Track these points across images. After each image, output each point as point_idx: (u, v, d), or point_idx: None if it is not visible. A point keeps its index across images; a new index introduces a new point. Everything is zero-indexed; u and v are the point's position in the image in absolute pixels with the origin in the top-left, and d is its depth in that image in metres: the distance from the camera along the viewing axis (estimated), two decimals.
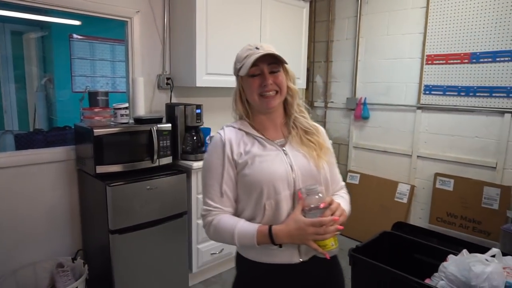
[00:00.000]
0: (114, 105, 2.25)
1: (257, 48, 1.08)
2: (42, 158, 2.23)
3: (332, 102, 3.74)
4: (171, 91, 2.72)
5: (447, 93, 2.88)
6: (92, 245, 2.32)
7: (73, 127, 2.37)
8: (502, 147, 2.65)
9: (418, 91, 3.06)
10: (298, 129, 1.15)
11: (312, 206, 0.99)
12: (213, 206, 1.08)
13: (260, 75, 1.08)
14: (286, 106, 1.18)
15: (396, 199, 3.20)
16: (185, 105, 2.50)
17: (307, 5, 3.33)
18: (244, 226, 1.03)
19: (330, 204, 1.01)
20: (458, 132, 2.87)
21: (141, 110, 2.51)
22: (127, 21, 2.54)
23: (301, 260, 1.08)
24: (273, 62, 1.09)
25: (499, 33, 2.59)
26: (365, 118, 3.43)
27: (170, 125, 2.35)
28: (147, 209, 2.12)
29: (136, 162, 2.19)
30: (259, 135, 1.12)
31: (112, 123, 2.21)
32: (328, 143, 1.21)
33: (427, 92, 3.00)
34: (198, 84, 2.51)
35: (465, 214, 2.79)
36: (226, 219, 1.07)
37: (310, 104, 3.92)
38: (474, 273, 1.58)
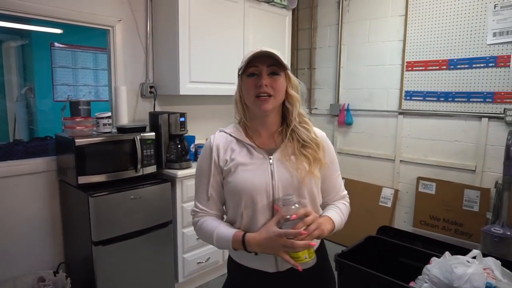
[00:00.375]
0: (96, 114, 2.22)
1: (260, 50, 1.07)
2: (22, 170, 2.18)
3: (316, 108, 3.78)
4: (154, 100, 2.71)
5: (427, 98, 2.95)
6: (75, 258, 2.27)
7: (54, 137, 2.32)
8: (480, 150, 2.72)
9: (399, 97, 3.12)
10: (294, 140, 1.11)
11: (287, 217, 0.97)
12: (200, 208, 1.14)
13: (257, 75, 1.06)
14: (286, 114, 1.14)
15: (380, 204, 3.24)
16: (169, 113, 2.49)
17: (290, 13, 3.38)
18: (222, 231, 1.07)
19: (305, 215, 0.99)
20: (439, 136, 2.94)
21: (124, 119, 2.48)
22: (109, 30, 2.52)
23: (277, 270, 1.08)
24: (273, 64, 1.07)
25: (474, 41, 2.68)
26: (349, 124, 3.48)
27: (154, 133, 2.34)
28: (131, 219, 2.09)
29: (120, 172, 2.16)
30: (248, 142, 1.11)
31: (94, 132, 2.18)
32: (330, 156, 1.17)
33: (408, 98, 3.07)
34: (181, 92, 2.51)
35: (447, 216, 2.85)
36: (209, 221, 1.12)
37: None
38: (456, 275, 1.61)
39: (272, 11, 3.18)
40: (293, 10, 3.47)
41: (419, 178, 3.04)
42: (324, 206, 1.20)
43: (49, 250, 2.33)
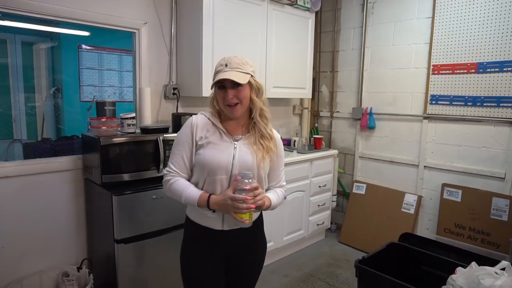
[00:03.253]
0: (121, 114, 2.27)
1: (226, 65, 1.35)
2: (50, 167, 2.25)
3: (338, 112, 3.74)
4: (177, 101, 2.75)
5: (453, 103, 2.87)
6: (98, 254, 2.32)
7: (80, 136, 2.39)
8: (510, 157, 2.62)
9: (424, 101, 3.05)
10: (256, 131, 1.44)
11: (241, 186, 1.28)
12: (173, 169, 1.41)
13: (224, 88, 1.35)
14: (253, 113, 1.43)
15: (403, 210, 3.17)
16: (192, 114, 2.50)
17: (313, 15, 3.36)
18: (191, 190, 1.37)
19: (255, 189, 1.30)
20: (466, 142, 2.85)
21: (148, 120, 2.52)
22: (135, 32, 2.57)
23: (222, 228, 1.40)
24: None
25: (506, 43, 2.59)
26: (371, 128, 3.42)
27: (176, 134, 2.36)
28: (153, 218, 2.12)
29: (142, 172, 2.20)
30: (221, 127, 1.42)
31: (119, 132, 2.22)
32: (280, 150, 1.50)
33: (434, 102, 2.99)
34: (204, 94, 2.53)
35: (474, 225, 2.75)
36: (181, 181, 1.40)
37: (316, 113, 3.92)
38: (483, 286, 1.55)
39: (295, 14, 3.17)
40: (316, 13, 3.45)
41: (444, 185, 2.95)
42: (266, 190, 1.50)
43: (74, 246, 2.39)
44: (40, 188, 2.22)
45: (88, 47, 4.11)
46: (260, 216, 1.52)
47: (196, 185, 1.41)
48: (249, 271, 1.54)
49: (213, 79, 1.38)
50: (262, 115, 1.43)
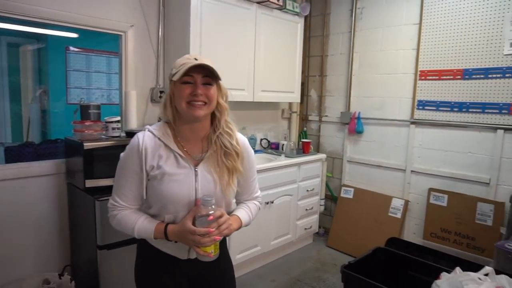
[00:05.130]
0: (105, 118, 2.24)
1: (195, 59, 1.13)
2: (31, 172, 2.20)
3: (326, 116, 3.75)
4: None
5: (440, 108, 2.89)
6: (80, 261, 2.28)
7: (63, 140, 2.35)
8: (495, 163, 2.65)
9: (411, 106, 3.07)
10: (218, 147, 1.21)
11: (203, 214, 1.10)
12: (120, 204, 1.18)
13: (192, 84, 1.13)
14: (214, 121, 1.22)
15: (390, 214, 3.18)
16: None
17: (302, 20, 3.37)
18: (144, 223, 1.16)
19: (220, 217, 1.12)
20: (452, 147, 2.87)
21: (134, 123, 2.49)
22: (121, 35, 2.55)
23: (189, 257, 1.21)
24: (207, 75, 1.14)
25: (491, 50, 2.62)
26: (359, 132, 3.43)
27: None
28: None
29: None
30: (176, 150, 1.17)
31: (103, 136, 2.19)
32: (249, 163, 1.28)
33: (421, 107, 3.01)
34: None
35: (459, 230, 2.77)
36: (129, 215, 1.17)
37: (305, 117, 3.93)
38: None
39: (284, 18, 3.17)
40: (306, 17, 3.46)
41: (431, 190, 2.97)
42: (237, 202, 1.34)
43: (56, 252, 2.34)
44: (21, 193, 2.17)
45: (75, 49, 4.06)
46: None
47: (154, 217, 1.19)
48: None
49: (173, 74, 1.13)
50: (227, 125, 1.22)
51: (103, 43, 4.00)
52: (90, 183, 2.02)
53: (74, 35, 3.62)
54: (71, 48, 4.03)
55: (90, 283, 2.05)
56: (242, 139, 1.28)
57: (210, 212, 1.10)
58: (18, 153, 2.30)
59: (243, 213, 1.28)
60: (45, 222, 2.29)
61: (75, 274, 2.28)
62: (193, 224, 1.11)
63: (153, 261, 1.24)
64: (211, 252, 1.12)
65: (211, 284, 1.29)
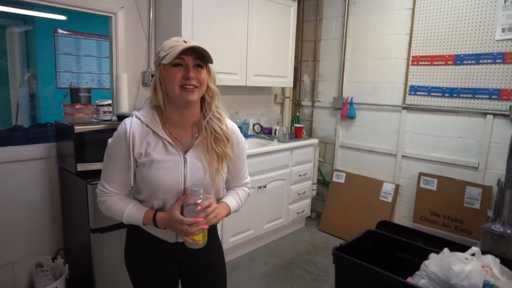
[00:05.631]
0: (96, 101, 2.20)
1: (185, 42, 1.10)
2: (22, 156, 2.18)
3: (319, 101, 3.75)
4: None
5: (431, 94, 2.92)
6: (73, 244, 2.28)
7: (54, 124, 2.32)
8: (484, 148, 2.69)
9: (403, 92, 3.08)
10: (208, 133, 1.19)
11: (190, 203, 1.10)
12: (109, 190, 1.17)
13: (183, 67, 1.10)
14: (204, 105, 1.20)
15: (381, 198, 3.23)
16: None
17: (295, 4, 3.33)
18: (133, 210, 1.16)
19: (208, 207, 1.11)
20: (442, 132, 2.91)
21: (125, 107, 2.47)
22: (111, 17, 2.49)
23: (177, 241, 1.21)
24: (198, 58, 1.12)
25: (482, 36, 2.63)
26: (352, 117, 3.45)
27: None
28: None
29: None
30: (165, 136, 1.15)
31: (94, 120, 2.16)
32: (239, 149, 1.27)
33: (412, 93, 3.03)
34: None
35: (448, 213, 2.83)
36: (118, 201, 1.17)
37: (298, 103, 3.93)
38: (454, 271, 1.60)
39: (277, 2, 3.13)
40: (299, 1, 3.42)
41: (421, 174, 3.02)
42: (227, 189, 1.32)
43: (48, 236, 2.34)
44: (12, 177, 2.15)
45: (64, 32, 3.96)
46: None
47: (143, 202, 1.19)
48: (205, 273, 1.31)
49: (163, 57, 1.09)
50: (216, 110, 1.21)
51: (93, 26, 3.91)
52: (81, 167, 2.01)
53: (62, 17, 3.54)
54: (60, 31, 3.93)
55: (84, 266, 2.06)
56: (231, 124, 1.27)
57: (198, 201, 1.10)
58: (7, 136, 2.26)
59: (232, 200, 1.27)
60: (37, 206, 2.27)
61: (68, 257, 2.29)
62: (181, 212, 1.11)
63: (143, 244, 1.24)
64: (199, 240, 1.13)
65: (201, 267, 1.29)
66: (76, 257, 2.23)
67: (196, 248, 1.15)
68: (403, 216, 3.20)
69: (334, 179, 3.58)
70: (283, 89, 3.82)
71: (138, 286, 1.30)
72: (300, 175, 3.33)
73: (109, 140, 1.18)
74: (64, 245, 2.37)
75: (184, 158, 1.15)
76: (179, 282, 1.34)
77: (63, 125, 2.12)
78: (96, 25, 3.81)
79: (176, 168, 1.14)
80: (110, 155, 1.16)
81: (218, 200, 1.26)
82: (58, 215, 2.37)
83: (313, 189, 3.59)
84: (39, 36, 3.84)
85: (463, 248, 1.88)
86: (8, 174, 2.13)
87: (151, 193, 1.15)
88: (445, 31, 2.80)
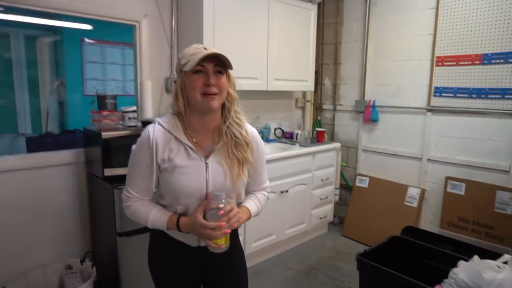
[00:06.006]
0: (122, 108, 2.27)
1: (205, 49, 1.12)
2: (52, 161, 2.26)
3: (341, 104, 3.71)
4: None
5: (458, 95, 2.83)
6: (101, 247, 2.34)
7: (82, 130, 2.40)
8: None
9: (428, 93, 3.01)
10: (228, 138, 1.21)
11: (213, 207, 1.12)
12: (133, 195, 1.20)
13: (203, 74, 1.13)
14: (223, 111, 1.22)
15: (406, 203, 3.15)
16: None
17: (315, 7, 3.32)
18: (157, 215, 1.18)
19: (230, 211, 1.13)
20: (470, 135, 2.82)
21: (149, 113, 2.52)
22: (135, 25, 2.56)
23: (199, 245, 1.23)
24: (218, 65, 1.14)
25: (511, 34, 2.54)
26: (374, 120, 3.39)
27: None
28: None
29: None
30: (187, 142, 1.17)
31: (120, 126, 2.23)
32: (258, 154, 1.28)
33: (438, 94, 2.95)
34: None
35: (477, 219, 2.73)
36: (143, 206, 1.20)
37: (319, 106, 3.90)
38: (485, 280, 1.54)
39: (297, 5, 3.13)
40: (319, 4, 3.41)
41: (448, 178, 2.93)
42: (246, 193, 1.32)
43: (77, 239, 2.42)
44: (43, 182, 2.24)
45: (90, 41, 4.10)
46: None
47: (166, 207, 1.21)
48: (228, 278, 1.33)
49: (184, 64, 1.12)
50: (236, 116, 1.22)
51: (117, 34, 4.04)
52: (108, 172, 2.06)
53: (88, 26, 3.66)
54: (86, 40, 4.07)
55: (111, 268, 2.11)
56: (251, 129, 1.28)
57: (221, 206, 1.12)
58: (39, 143, 2.36)
59: (252, 204, 1.29)
60: (66, 210, 2.35)
61: (96, 260, 2.35)
62: (204, 217, 1.13)
63: (166, 248, 1.27)
64: (222, 244, 1.14)
65: (223, 272, 1.31)
66: (103, 260, 2.29)
67: (219, 252, 1.16)
68: (429, 222, 3.11)
69: (357, 184, 3.52)
70: (304, 93, 3.80)
71: None
72: (322, 179, 3.30)
73: (133, 146, 1.21)
74: (92, 248, 2.43)
75: (206, 163, 1.17)
76: (201, 286, 1.35)
77: (91, 131, 2.19)
78: (120, 33, 3.92)
79: (198, 173, 1.16)
80: (134, 161, 1.19)
81: (239, 204, 1.27)
82: (86, 219, 2.44)
83: (335, 194, 3.55)
84: (67, 46, 3.99)
85: (494, 256, 1.81)
86: (39, 178, 2.22)
87: (174, 198, 1.17)
88: (471, 30, 2.72)
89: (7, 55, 3.68)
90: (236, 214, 1.15)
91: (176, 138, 1.17)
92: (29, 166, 2.18)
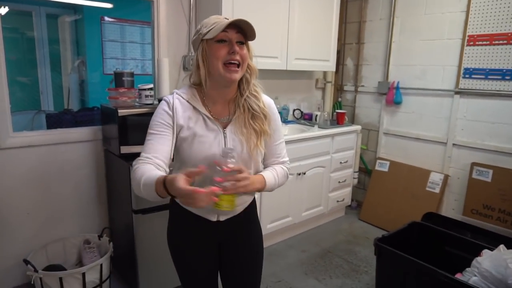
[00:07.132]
0: (139, 85, 2.25)
1: (226, 19, 1.08)
2: (71, 138, 2.28)
3: (362, 86, 3.59)
4: None
5: (489, 77, 2.67)
6: (117, 224, 2.38)
7: (99, 108, 2.40)
8: None
9: (457, 75, 2.85)
10: (245, 110, 1.18)
11: (221, 163, 1.01)
12: (144, 156, 1.08)
13: (226, 42, 1.09)
14: (242, 83, 1.19)
15: (427, 189, 3.05)
16: None
17: None
18: (151, 174, 1.00)
19: (239, 172, 1.04)
20: (500, 119, 2.67)
21: (166, 91, 2.49)
22: (153, 1, 2.51)
23: (218, 219, 1.21)
24: (240, 32, 1.10)
25: None
26: (398, 103, 3.26)
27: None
28: None
29: None
30: (205, 112, 1.15)
31: (137, 103, 2.21)
32: (275, 125, 1.24)
33: (467, 76, 2.79)
34: None
35: (504, 207, 2.62)
36: (144, 167, 1.04)
37: (340, 87, 3.78)
38: (511, 270, 1.46)
39: None
40: None
41: (474, 164, 2.80)
42: (264, 166, 1.28)
43: (95, 215, 2.46)
44: (62, 158, 2.27)
45: (110, 19, 4.09)
46: (253, 201, 1.32)
47: None
48: (244, 255, 1.31)
49: (206, 32, 1.07)
50: (253, 88, 1.19)
51: (137, 13, 4.00)
52: (124, 150, 2.06)
53: (108, 5, 3.64)
54: (106, 18, 4.06)
55: (127, 245, 2.14)
56: (268, 100, 1.25)
57: (229, 164, 1.01)
58: (58, 119, 2.38)
59: (268, 174, 1.22)
60: (85, 186, 2.39)
61: (113, 235, 2.39)
62: (208, 175, 0.99)
63: (185, 223, 1.26)
64: (225, 206, 1.00)
65: (241, 248, 1.30)
66: (120, 236, 2.32)
67: (222, 214, 1.17)
68: (451, 209, 3.01)
69: (377, 168, 3.43)
70: (325, 73, 3.69)
71: (179, 264, 1.31)
72: (341, 162, 3.22)
73: (154, 113, 1.16)
74: (109, 224, 2.48)
75: (224, 133, 1.16)
76: (219, 261, 1.34)
77: (108, 109, 2.19)
78: (139, 12, 3.89)
79: (216, 142, 1.14)
80: (152, 127, 1.13)
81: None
82: (104, 195, 2.47)
83: (354, 178, 3.48)
84: (87, 24, 3.99)
85: None
86: (59, 154, 2.25)
87: (190, 167, 1.10)
88: (508, 6, 2.53)
89: (30, 34, 3.72)
90: (246, 178, 1.05)
91: (194, 108, 1.15)
92: (49, 142, 2.21)
